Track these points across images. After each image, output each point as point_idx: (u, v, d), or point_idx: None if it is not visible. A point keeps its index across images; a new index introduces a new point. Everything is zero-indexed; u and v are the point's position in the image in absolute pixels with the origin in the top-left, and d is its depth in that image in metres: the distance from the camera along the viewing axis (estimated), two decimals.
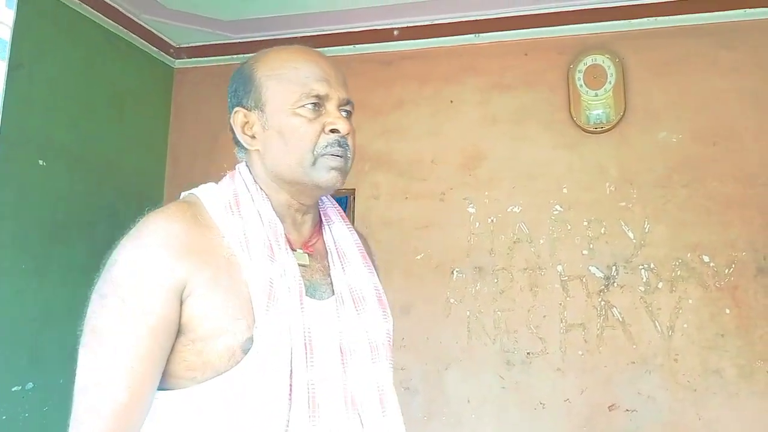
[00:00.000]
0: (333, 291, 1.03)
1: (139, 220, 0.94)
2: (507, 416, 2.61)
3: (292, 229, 1.05)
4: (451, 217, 2.82)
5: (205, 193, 1.02)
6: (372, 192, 2.91)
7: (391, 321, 1.07)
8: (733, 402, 2.39)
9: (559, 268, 2.66)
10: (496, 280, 2.72)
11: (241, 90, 1.05)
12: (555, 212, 2.71)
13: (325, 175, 0.99)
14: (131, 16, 2.93)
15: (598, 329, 2.57)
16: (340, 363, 0.98)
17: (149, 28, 3.06)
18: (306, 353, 0.92)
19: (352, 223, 1.32)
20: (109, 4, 2.79)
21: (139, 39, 3.03)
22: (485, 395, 2.64)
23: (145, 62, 3.12)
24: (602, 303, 2.59)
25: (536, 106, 2.81)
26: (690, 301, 2.50)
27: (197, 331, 0.89)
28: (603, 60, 2.73)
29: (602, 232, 2.64)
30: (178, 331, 0.89)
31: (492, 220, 2.77)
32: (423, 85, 2.97)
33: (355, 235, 1.13)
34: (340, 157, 1.00)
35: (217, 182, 1.06)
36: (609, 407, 2.51)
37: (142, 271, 0.88)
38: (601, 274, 2.61)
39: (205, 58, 3.27)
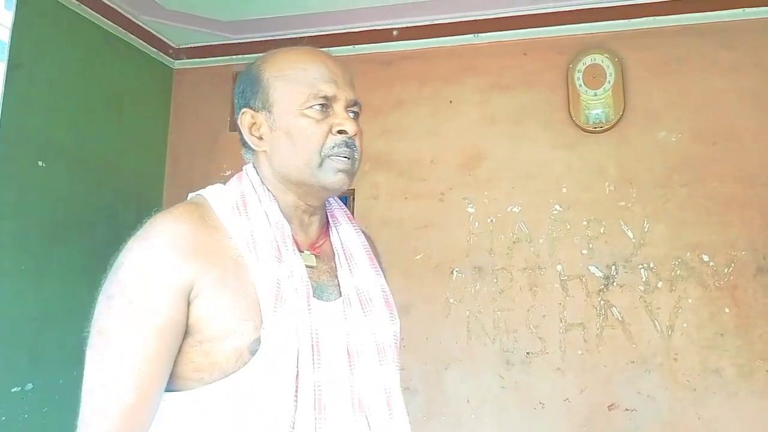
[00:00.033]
0: (340, 292, 1.03)
1: (145, 221, 0.94)
2: (506, 416, 2.61)
3: (299, 231, 1.05)
4: (451, 217, 2.82)
5: (212, 194, 1.02)
6: (371, 192, 2.91)
7: (398, 323, 1.07)
8: (733, 401, 2.39)
9: (559, 267, 2.66)
10: (495, 280, 2.72)
11: (249, 91, 1.05)
12: (554, 212, 2.71)
13: (332, 177, 0.99)
14: (130, 17, 2.93)
15: (598, 329, 2.57)
16: (347, 365, 0.97)
17: (148, 29, 3.06)
18: (313, 355, 0.92)
19: None
20: (108, 5, 2.79)
21: (139, 40, 3.03)
22: (485, 395, 2.64)
23: (145, 63, 3.13)
24: (602, 302, 2.59)
25: (535, 105, 2.82)
26: (689, 301, 2.50)
27: (204, 332, 0.89)
28: (602, 60, 2.73)
29: (602, 231, 2.64)
30: (186, 332, 0.89)
31: (491, 220, 2.77)
32: (422, 85, 2.97)
33: (362, 237, 1.13)
34: (347, 158, 1.00)
35: (224, 183, 1.06)
36: (608, 407, 2.51)
37: (150, 273, 0.88)
38: (601, 274, 2.61)
39: (205, 59, 3.27)
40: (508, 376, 2.63)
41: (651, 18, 2.72)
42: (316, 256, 1.05)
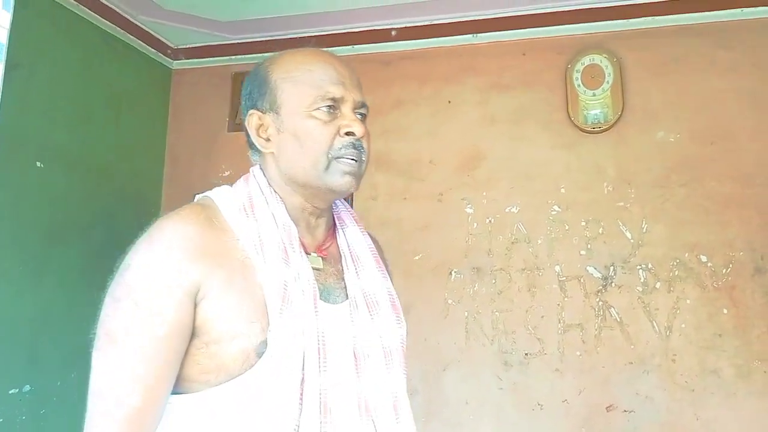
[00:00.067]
0: (347, 295, 1.03)
1: (151, 223, 0.94)
2: (505, 417, 2.61)
3: (306, 233, 1.05)
4: (449, 217, 2.82)
5: (219, 195, 1.02)
6: (370, 192, 2.91)
7: (404, 326, 1.07)
8: (731, 402, 2.39)
9: (557, 268, 2.66)
10: (494, 281, 2.72)
11: (256, 92, 1.05)
12: (553, 212, 2.71)
13: (339, 179, 0.99)
14: (128, 17, 2.92)
15: (596, 329, 2.57)
16: (353, 368, 0.97)
17: (147, 29, 3.06)
18: (319, 358, 0.91)
19: None
20: (107, 5, 2.79)
21: (137, 40, 3.02)
22: (483, 396, 2.64)
23: (143, 63, 3.12)
24: (600, 303, 2.59)
25: (534, 106, 2.82)
26: (688, 301, 2.50)
27: (211, 334, 0.89)
28: (601, 60, 2.73)
29: (600, 232, 2.64)
30: (192, 334, 0.89)
31: (490, 221, 2.77)
32: (422, 86, 2.97)
33: (369, 239, 1.13)
34: (354, 160, 1.00)
35: (230, 185, 1.06)
36: (607, 408, 2.51)
37: (156, 275, 0.88)
38: (599, 275, 2.61)
39: (203, 59, 3.27)
40: (507, 377, 2.63)
41: (649, 18, 2.72)
42: (322, 258, 1.05)
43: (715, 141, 2.58)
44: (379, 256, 1.12)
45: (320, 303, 0.96)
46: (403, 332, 1.06)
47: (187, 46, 3.27)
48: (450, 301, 2.74)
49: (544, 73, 2.83)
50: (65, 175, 2.58)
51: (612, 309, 2.57)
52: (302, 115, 0.99)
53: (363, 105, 1.04)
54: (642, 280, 2.56)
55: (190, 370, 0.90)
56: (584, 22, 2.78)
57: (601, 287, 2.60)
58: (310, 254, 1.02)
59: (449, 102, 2.92)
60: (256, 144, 1.04)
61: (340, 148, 0.99)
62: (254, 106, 1.04)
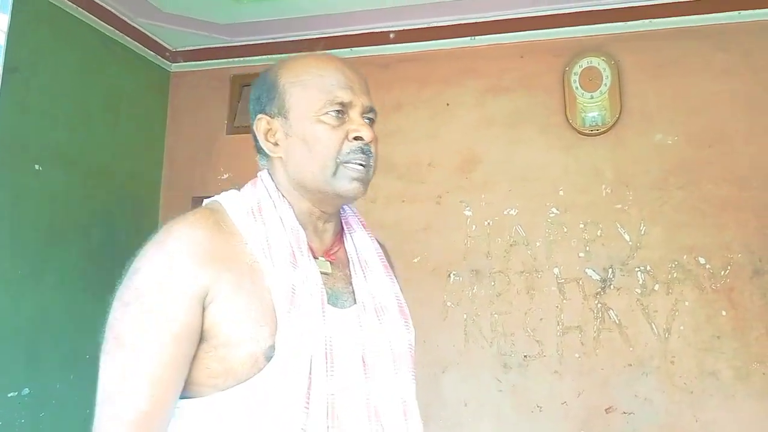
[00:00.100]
0: (355, 300, 1.03)
1: (162, 227, 0.94)
2: (504, 419, 2.61)
3: (313, 237, 1.05)
4: (448, 220, 2.82)
5: (227, 199, 1.02)
6: (369, 195, 2.85)
7: (413, 332, 1.06)
8: (730, 404, 2.40)
9: (556, 270, 2.66)
10: (492, 283, 2.72)
11: (265, 97, 1.05)
12: (551, 215, 2.71)
13: (347, 185, 1.00)
14: (127, 20, 2.92)
15: (595, 332, 2.57)
16: (362, 373, 0.97)
17: (145, 31, 3.06)
18: (326, 362, 0.91)
19: None
20: (105, 8, 2.79)
21: (135, 43, 3.03)
22: (482, 398, 2.64)
23: (142, 66, 3.12)
24: (599, 305, 2.59)
25: (532, 108, 2.82)
26: (686, 303, 2.51)
27: (219, 338, 0.88)
28: (598, 62, 2.74)
29: (598, 234, 2.65)
30: (201, 338, 0.89)
31: (488, 223, 2.77)
32: (420, 88, 2.97)
33: (376, 244, 1.13)
34: (362, 165, 1.00)
35: (238, 189, 1.06)
36: (606, 410, 2.51)
37: (166, 279, 0.88)
38: (598, 277, 2.62)
39: (202, 62, 3.27)
40: (506, 380, 2.63)
41: (647, 21, 2.73)
42: (330, 262, 1.05)
43: (712, 144, 2.59)
44: (386, 261, 1.13)
45: (328, 307, 0.96)
46: (411, 337, 1.06)
47: (186, 49, 3.27)
48: (449, 304, 2.75)
49: (542, 75, 2.83)
50: (64, 177, 2.58)
51: (611, 311, 2.58)
52: (311, 119, 0.99)
53: (371, 110, 1.04)
54: (640, 282, 2.57)
55: (198, 374, 0.90)
56: (582, 25, 2.79)
57: (599, 289, 2.61)
58: (318, 258, 1.02)
59: (448, 104, 2.93)
60: (265, 148, 1.04)
61: (349, 153, 0.99)
62: (263, 111, 1.04)
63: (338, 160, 0.98)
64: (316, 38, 3.01)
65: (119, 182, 2.90)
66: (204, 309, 0.89)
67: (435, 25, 2.95)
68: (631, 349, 2.53)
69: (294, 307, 0.90)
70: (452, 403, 2.66)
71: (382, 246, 1.16)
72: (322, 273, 0.99)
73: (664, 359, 2.48)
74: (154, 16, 2.95)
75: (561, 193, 2.72)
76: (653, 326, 2.52)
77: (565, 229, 2.69)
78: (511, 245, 2.73)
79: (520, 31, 2.86)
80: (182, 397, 0.90)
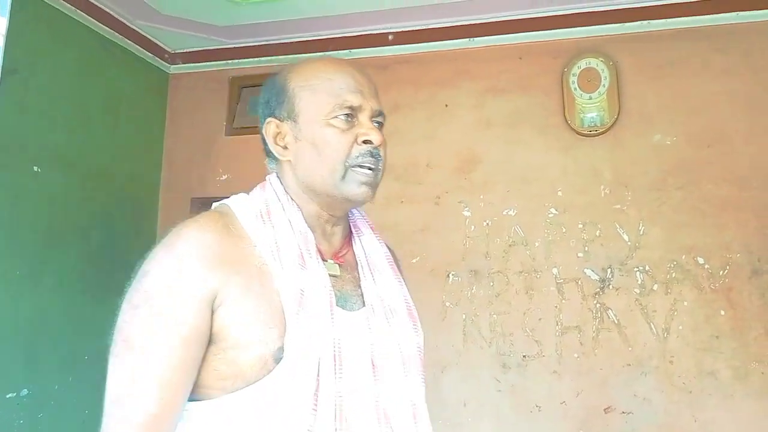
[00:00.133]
0: (364, 302, 1.03)
1: (171, 230, 0.95)
2: (503, 419, 2.61)
3: (322, 240, 1.05)
4: (447, 220, 2.82)
5: (236, 203, 1.02)
6: None
7: (421, 334, 1.07)
8: (729, 403, 2.40)
9: (555, 270, 2.66)
10: (491, 284, 2.72)
11: (274, 100, 1.05)
12: (550, 215, 2.71)
13: (356, 189, 1.00)
14: (125, 22, 2.93)
15: (594, 332, 2.58)
16: (371, 375, 0.97)
17: (144, 33, 3.06)
18: (335, 364, 0.91)
19: None
20: (104, 10, 2.79)
21: (134, 45, 3.03)
22: (481, 398, 2.64)
23: (140, 68, 3.12)
24: (597, 305, 2.60)
25: (531, 109, 2.83)
26: (685, 303, 2.51)
27: (228, 340, 0.89)
28: (597, 63, 2.74)
29: (597, 234, 2.65)
30: (209, 341, 0.89)
31: (487, 224, 2.78)
32: (418, 90, 2.97)
33: (385, 247, 1.13)
34: (371, 169, 1.00)
35: (247, 192, 1.06)
36: (605, 409, 2.51)
37: (175, 282, 0.88)
38: (597, 277, 2.62)
39: (201, 64, 3.27)
40: (505, 380, 2.63)
41: (645, 22, 2.73)
42: (339, 265, 1.05)
43: (711, 144, 2.60)
44: (395, 264, 1.13)
45: (337, 309, 0.96)
46: (420, 340, 1.06)
47: (184, 51, 3.28)
48: (448, 304, 2.75)
49: (541, 76, 2.84)
50: (63, 179, 2.58)
51: (609, 311, 2.58)
52: (320, 123, 1.00)
53: (380, 113, 1.05)
54: (639, 283, 2.57)
55: (207, 377, 0.90)
56: (580, 26, 2.80)
57: (598, 289, 2.61)
58: (326, 261, 1.02)
59: (446, 106, 2.93)
60: (274, 152, 1.05)
61: (358, 156, 0.99)
62: (272, 114, 1.05)
63: (347, 164, 0.99)
64: (315, 40, 3.02)
65: (118, 184, 2.90)
66: (213, 312, 0.89)
67: (433, 26, 2.96)
68: (629, 349, 2.53)
69: (303, 309, 0.90)
70: (451, 403, 2.66)
71: (390, 249, 1.16)
72: (330, 275, 0.99)
73: (663, 359, 2.49)
74: (152, 18, 2.96)
75: (560, 193, 2.72)
76: (652, 326, 2.52)
77: (564, 230, 2.69)
78: (509, 245, 2.74)
79: (519, 32, 2.87)
80: (191, 400, 0.90)
